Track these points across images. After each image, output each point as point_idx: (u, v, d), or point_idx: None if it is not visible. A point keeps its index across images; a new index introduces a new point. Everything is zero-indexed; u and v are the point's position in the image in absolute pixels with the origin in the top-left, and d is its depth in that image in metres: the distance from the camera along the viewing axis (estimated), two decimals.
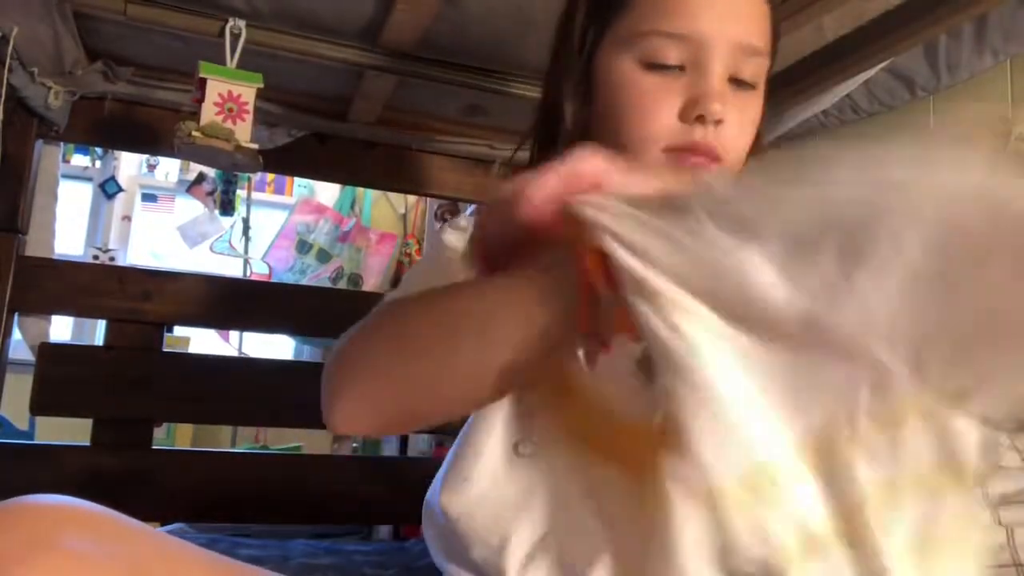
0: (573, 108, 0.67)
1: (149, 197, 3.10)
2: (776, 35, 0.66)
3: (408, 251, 2.93)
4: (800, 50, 1.04)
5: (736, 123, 0.62)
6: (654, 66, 0.62)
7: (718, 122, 0.60)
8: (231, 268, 2.74)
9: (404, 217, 3.07)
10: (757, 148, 0.68)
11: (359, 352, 0.56)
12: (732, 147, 0.62)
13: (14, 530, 0.40)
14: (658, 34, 0.61)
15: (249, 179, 2.67)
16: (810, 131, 1.35)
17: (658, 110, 0.62)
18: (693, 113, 0.60)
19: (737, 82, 0.62)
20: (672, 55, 0.61)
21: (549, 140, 0.69)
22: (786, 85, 1.15)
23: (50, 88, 1.15)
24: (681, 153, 0.62)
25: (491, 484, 0.58)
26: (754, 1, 0.63)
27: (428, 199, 2.78)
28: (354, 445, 2.53)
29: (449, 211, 2.57)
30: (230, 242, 2.69)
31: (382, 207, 3.09)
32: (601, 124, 0.66)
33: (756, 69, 0.62)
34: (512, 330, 0.47)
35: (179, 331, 2.51)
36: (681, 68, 0.61)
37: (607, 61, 0.65)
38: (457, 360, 0.49)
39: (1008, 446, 0.74)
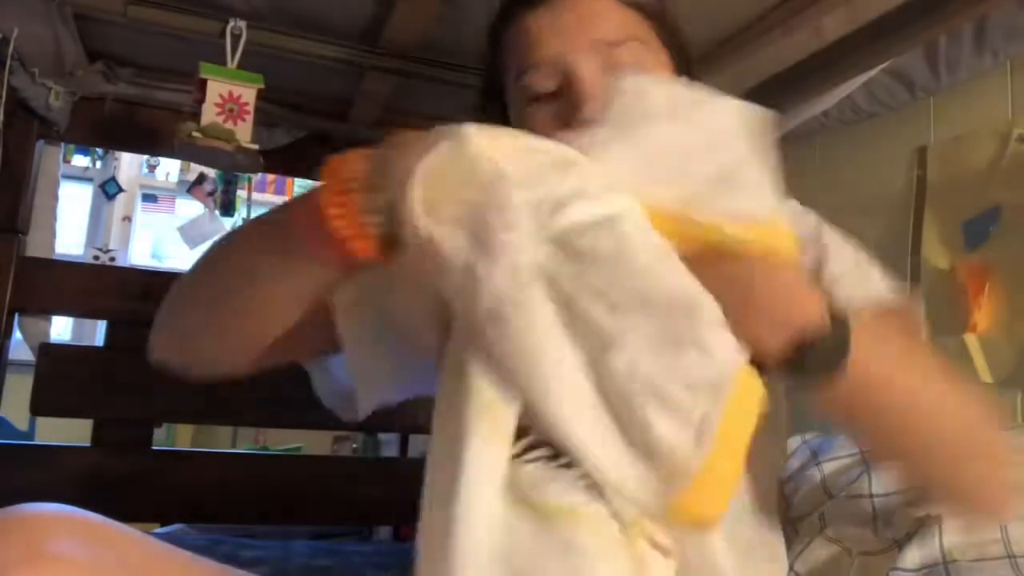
0: None
1: (149, 197, 3.10)
2: (652, 11, 0.66)
3: None
4: (800, 51, 1.04)
5: None
6: (537, 98, 0.64)
7: None
8: None
9: None
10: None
11: (176, 290, 0.61)
12: None
13: (9, 538, 0.40)
14: (522, 71, 0.64)
15: (249, 180, 2.66)
16: (810, 131, 1.35)
17: (553, 130, 0.61)
18: (578, 120, 0.61)
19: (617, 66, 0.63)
20: (544, 83, 0.63)
21: None
22: (787, 86, 1.15)
23: (51, 89, 1.16)
24: None
25: None
26: (590, 4, 0.63)
27: None
28: (354, 446, 2.53)
29: None
30: None
31: None
32: None
33: (632, 54, 0.63)
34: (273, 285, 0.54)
35: None
36: (559, 91, 0.63)
37: (512, 112, 0.68)
38: (236, 307, 0.56)
39: None
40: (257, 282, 0.55)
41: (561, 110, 0.63)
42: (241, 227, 0.64)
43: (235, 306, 0.56)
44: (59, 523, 0.44)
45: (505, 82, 0.68)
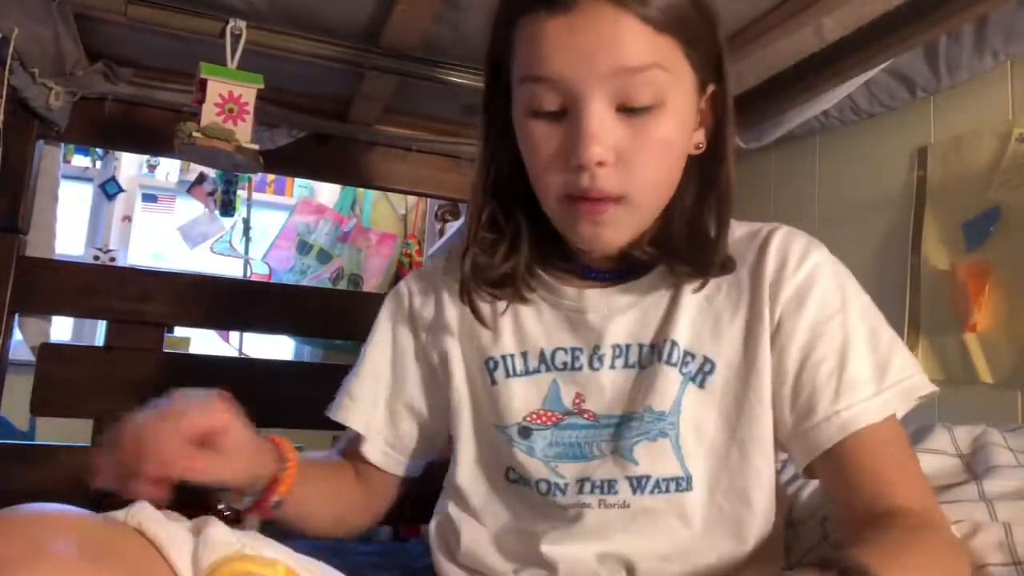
0: (498, 159, 0.68)
1: (149, 197, 3.10)
2: (684, 27, 0.59)
3: (408, 251, 2.93)
4: (800, 51, 1.04)
5: (633, 152, 0.59)
6: (538, 114, 0.60)
7: (600, 163, 0.58)
8: (231, 268, 2.74)
9: (404, 217, 3.07)
10: (719, 144, 0.65)
11: None
12: (633, 180, 0.60)
13: (9, 538, 0.40)
14: (530, 80, 0.60)
15: (249, 179, 2.67)
16: (810, 131, 1.35)
17: (546, 159, 0.61)
18: (571, 160, 0.59)
19: (630, 109, 0.58)
20: (548, 100, 0.59)
21: (494, 189, 0.69)
22: (786, 86, 1.15)
23: (51, 89, 1.16)
24: (574, 202, 0.61)
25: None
26: (616, 22, 0.56)
27: (428, 199, 2.78)
28: None
29: (449, 211, 2.57)
30: (230, 242, 2.69)
31: (382, 207, 3.09)
32: (528, 173, 0.65)
33: (650, 86, 0.58)
34: None
35: (179, 331, 2.51)
36: (563, 112, 0.59)
37: (514, 109, 0.64)
38: None
39: (1003, 446, 0.74)
40: None
41: (561, 135, 0.60)
42: None
43: None
44: (59, 523, 0.44)
45: (512, 73, 0.64)
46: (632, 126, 0.59)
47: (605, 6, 0.56)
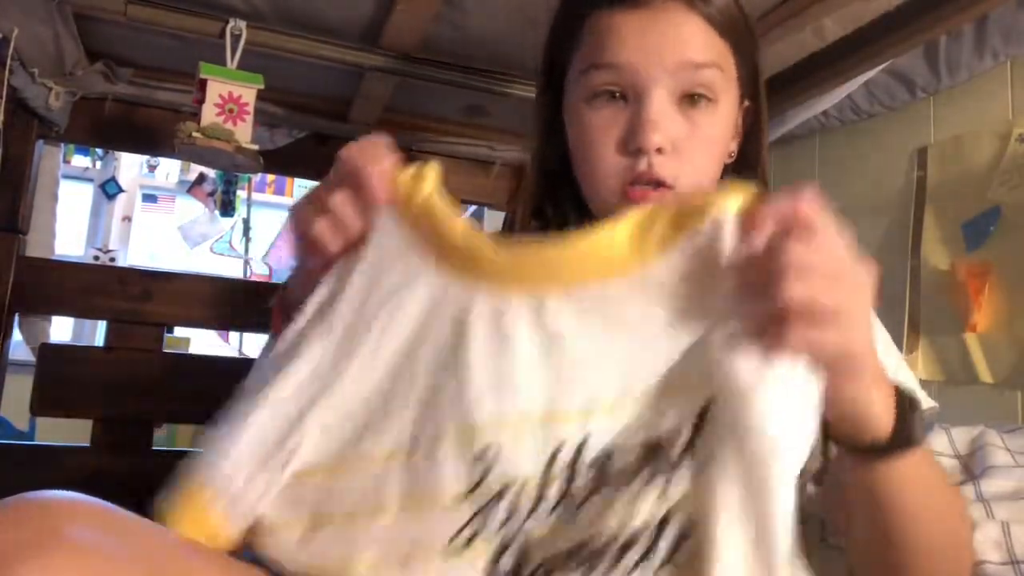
0: (547, 150, 0.71)
1: (149, 198, 3.11)
2: (737, 37, 0.64)
3: None
4: (800, 51, 1.04)
5: (687, 145, 0.62)
6: (599, 101, 0.63)
7: (659, 150, 0.61)
8: (231, 269, 2.74)
9: None
10: (752, 154, 0.69)
11: None
12: (684, 171, 0.62)
13: (22, 524, 0.40)
14: (595, 67, 0.62)
15: (249, 180, 2.67)
16: (810, 131, 1.35)
17: (603, 145, 0.63)
18: (631, 145, 0.61)
19: (690, 98, 0.62)
20: (610, 83, 0.62)
21: (544, 179, 0.72)
22: (786, 86, 1.15)
23: (51, 89, 1.16)
24: (629, 186, 0.63)
25: None
26: (685, 20, 0.61)
27: None
28: None
29: None
30: (230, 243, 2.69)
31: None
32: (575, 164, 0.68)
33: (708, 81, 0.62)
34: None
35: (179, 332, 2.51)
36: (624, 98, 0.62)
37: (567, 101, 0.67)
38: None
39: (1001, 447, 0.74)
40: None
41: (621, 122, 0.62)
42: None
43: None
44: (74, 509, 0.44)
45: (568, 69, 0.67)
46: (689, 119, 0.62)
47: (676, 5, 0.61)
